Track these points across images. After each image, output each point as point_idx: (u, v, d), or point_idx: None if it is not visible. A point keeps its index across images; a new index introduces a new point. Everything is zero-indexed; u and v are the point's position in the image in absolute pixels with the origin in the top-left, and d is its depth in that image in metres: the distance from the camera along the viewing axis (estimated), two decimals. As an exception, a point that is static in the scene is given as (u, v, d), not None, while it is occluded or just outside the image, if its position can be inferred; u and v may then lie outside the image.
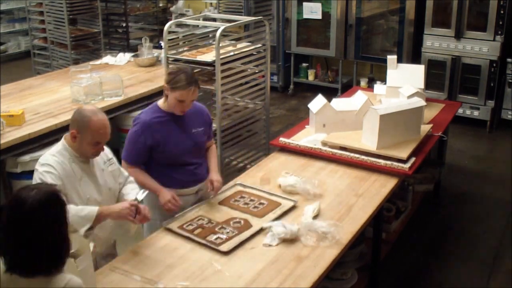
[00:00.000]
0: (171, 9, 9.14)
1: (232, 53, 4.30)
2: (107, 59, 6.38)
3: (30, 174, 4.40)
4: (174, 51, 4.43)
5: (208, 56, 4.33)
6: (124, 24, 8.36)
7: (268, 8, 7.79)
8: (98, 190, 2.73)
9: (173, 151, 3.11)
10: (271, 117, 5.84)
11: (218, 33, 4.01)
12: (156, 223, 3.05)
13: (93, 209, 2.55)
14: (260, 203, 3.13)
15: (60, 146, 2.68)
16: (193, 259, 2.64)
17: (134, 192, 2.82)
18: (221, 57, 4.11)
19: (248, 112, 4.64)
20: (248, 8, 7.73)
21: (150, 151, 3.10)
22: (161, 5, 9.30)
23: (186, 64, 4.16)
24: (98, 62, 6.39)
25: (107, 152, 2.82)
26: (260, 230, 2.84)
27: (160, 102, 3.15)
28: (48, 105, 4.93)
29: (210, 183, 3.19)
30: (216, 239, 2.77)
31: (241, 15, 7.24)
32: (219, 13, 7.37)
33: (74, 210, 2.44)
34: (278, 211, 3.03)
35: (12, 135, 4.26)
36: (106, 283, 2.47)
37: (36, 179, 2.58)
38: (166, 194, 3.03)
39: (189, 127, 3.18)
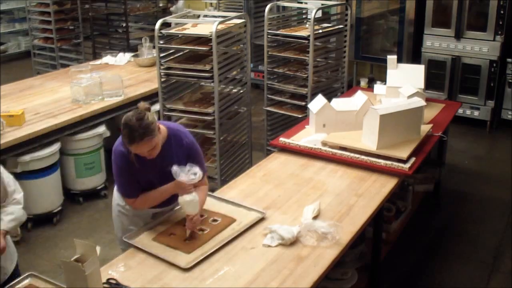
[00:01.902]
0: (171, 9, 9.14)
1: (320, 31, 4.99)
2: (107, 59, 6.38)
3: (30, 174, 4.45)
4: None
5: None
6: (124, 24, 8.36)
7: (268, 8, 7.81)
8: None
9: (152, 179, 2.90)
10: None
11: (313, 12, 4.77)
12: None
13: None
14: (214, 220, 2.95)
15: None
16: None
17: (5, 219, 2.68)
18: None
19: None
20: (248, 8, 7.74)
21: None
22: (161, 5, 9.30)
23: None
24: (98, 62, 6.40)
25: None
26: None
27: None
28: (48, 105, 4.93)
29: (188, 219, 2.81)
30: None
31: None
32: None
33: None
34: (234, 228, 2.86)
35: (12, 135, 4.27)
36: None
37: None
38: (185, 185, 2.74)
39: (166, 163, 2.79)
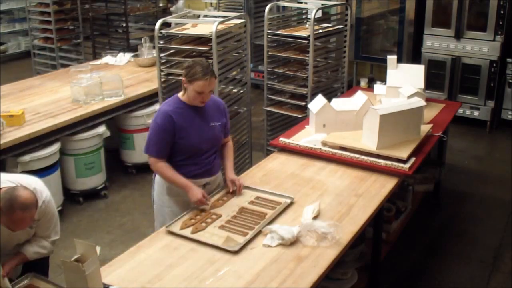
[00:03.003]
0: (171, 9, 9.14)
1: (320, 31, 5.02)
2: (107, 59, 6.39)
3: (30, 174, 4.42)
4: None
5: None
6: (124, 24, 8.36)
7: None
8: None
9: (193, 139, 3.12)
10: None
11: (313, 12, 4.78)
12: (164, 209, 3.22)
13: None
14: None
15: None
16: (193, 259, 2.64)
17: (31, 250, 2.81)
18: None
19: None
20: (248, 8, 7.74)
21: (172, 142, 3.10)
22: (161, 5, 9.30)
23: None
24: (98, 62, 6.40)
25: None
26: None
27: (180, 95, 3.17)
28: (48, 105, 4.93)
29: (231, 182, 3.23)
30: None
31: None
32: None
33: None
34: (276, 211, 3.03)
35: (12, 135, 4.27)
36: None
37: None
38: (197, 192, 3.04)
39: (208, 120, 3.19)
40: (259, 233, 2.84)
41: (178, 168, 3.13)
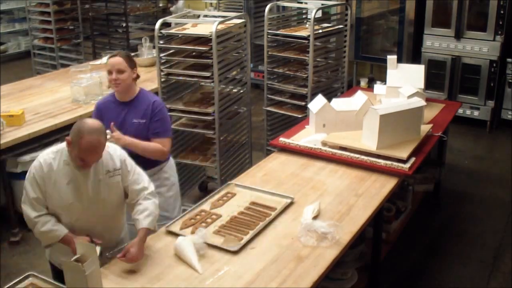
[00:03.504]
0: (171, 9, 9.14)
1: (320, 31, 5.02)
2: (107, 59, 6.37)
3: (30, 174, 4.43)
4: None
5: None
6: (124, 24, 8.37)
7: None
8: (81, 198, 2.65)
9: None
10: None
11: (313, 12, 4.79)
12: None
13: (58, 235, 2.65)
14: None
15: (63, 144, 2.67)
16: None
17: (142, 217, 2.70)
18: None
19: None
20: (248, 8, 7.74)
21: None
22: (161, 5, 9.31)
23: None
24: (98, 62, 6.39)
25: (116, 161, 2.73)
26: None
27: None
28: (48, 105, 4.93)
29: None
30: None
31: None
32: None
33: (41, 230, 2.65)
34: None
35: (12, 135, 4.27)
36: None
37: (29, 171, 2.69)
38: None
39: (132, 116, 3.34)
40: (259, 232, 2.84)
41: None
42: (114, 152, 2.77)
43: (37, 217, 2.64)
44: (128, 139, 3.24)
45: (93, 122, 2.61)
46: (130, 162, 2.81)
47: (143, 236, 2.66)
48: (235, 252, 2.67)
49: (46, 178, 2.61)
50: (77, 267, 2.24)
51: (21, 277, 2.57)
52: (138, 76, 3.40)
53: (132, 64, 3.33)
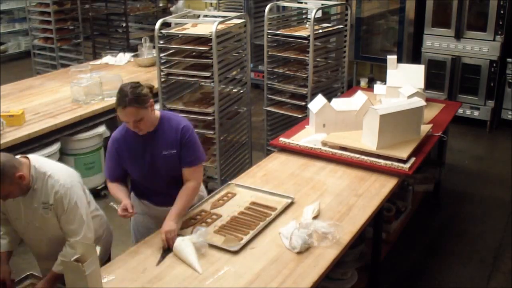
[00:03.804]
0: (171, 9, 9.14)
1: (320, 31, 5.01)
2: (107, 59, 6.39)
3: (30, 174, 4.42)
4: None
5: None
6: (124, 24, 8.37)
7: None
8: (19, 217, 2.68)
9: (133, 168, 2.96)
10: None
11: (313, 12, 4.78)
12: (150, 229, 3.02)
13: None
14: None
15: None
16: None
17: (57, 262, 2.65)
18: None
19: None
20: (248, 8, 7.74)
21: (122, 167, 2.98)
22: (161, 5, 9.31)
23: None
24: (98, 62, 6.40)
25: (50, 196, 2.61)
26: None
27: None
28: (48, 105, 4.93)
29: (164, 233, 2.75)
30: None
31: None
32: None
33: None
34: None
35: (12, 135, 4.27)
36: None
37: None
38: (123, 206, 2.80)
39: (157, 149, 2.88)
40: (259, 233, 2.84)
41: (139, 191, 3.10)
42: (55, 183, 2.62)
43: None
44: (176, 220, 2.79)
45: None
46: (69, 201, 2.63)
47: (51, 277, 2.62)
48: (235, 252, 2.67)
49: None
50: (78, 267, 2.24)
51: (21, 277, 2.57)
52: (153, 104, 2.86)
53: (145, 101, 2.75)
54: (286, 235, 2.75)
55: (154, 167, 2.91)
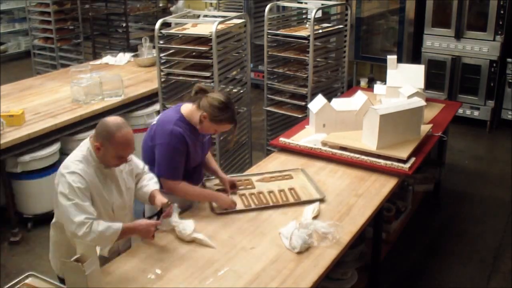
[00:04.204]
0: (171, 9, 9.14)
1: (320, 31, 5.01)
2: (107, 59, 6.39)
3: (30, 174, 4.45)
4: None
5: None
6: (124, 24, 8.37)
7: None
8: (120, 193, 2.72)
9: (197, 157, 3.13)
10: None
11: (313, 12, 4.77)
12: None
13: (117, 228, 2.55)
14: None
15: (85, 150, 2.60)
16: (193, 259, 2.64)
17: (152, 183, 2.87)
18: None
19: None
20: (248, 8, 7.74)
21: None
22: (161, 5, 9.30)
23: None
24: (98, 62, 6.40)
25: None
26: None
27: (186, 113, 3.00)
28: (48, 105, 4.93)
29: (229, 183, 3.24)
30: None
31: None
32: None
33: (99, 230, 2.48)
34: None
35: (12, 135, 4.27)
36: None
37: (64, 186, 2.50)
38: (226, 199, 3.07)
39: (205, 136, 3.20)
40: (262, 210, 3.00)
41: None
42: None
43: (89, 219, 2.49)
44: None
45: (116, 118, 2.61)
46: None
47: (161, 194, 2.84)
48: (235, 252, 2.67)
49: (90, 187, 2.55)
50: (77, 267, 2.24)
51: (21, 277, 2.57)
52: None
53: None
54: (286, 235, 2.75)
55: (203, 153, 3.20)
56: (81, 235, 2.44)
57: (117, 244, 2.71)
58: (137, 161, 2.91)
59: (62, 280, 2.65)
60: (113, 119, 2.58)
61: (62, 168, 2.56)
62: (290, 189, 3.26)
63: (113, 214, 2.70)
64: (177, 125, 2.95)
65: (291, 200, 3.15)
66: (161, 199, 2.80)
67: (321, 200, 3.15)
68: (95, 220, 2.49)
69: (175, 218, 2.83)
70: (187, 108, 3.02)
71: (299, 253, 2.66)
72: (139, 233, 2.69)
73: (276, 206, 3.08)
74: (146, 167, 2.96)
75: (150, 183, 2.89)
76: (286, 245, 2.72)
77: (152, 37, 5.19)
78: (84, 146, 2.62)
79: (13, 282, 2.52)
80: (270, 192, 3.23)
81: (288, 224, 2.82)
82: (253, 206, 3.06)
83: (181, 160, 2.99)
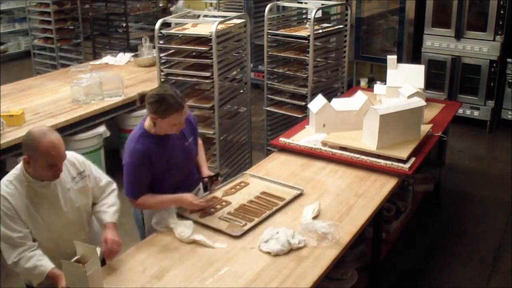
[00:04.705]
0: (171, 9, 9.14)
1: (320, 31, 5.01)
2: (107, 59, 6.39)
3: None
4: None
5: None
6: (124, 24, 8.37)
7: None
8: (59, 213, 2.57)
9: (174, 173, 2.97)
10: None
11: (313, 12, 4.77)
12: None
13: (44, 270, 2.44)
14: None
15: (18, 170, 2.50)
16: (193, 259, 2.64)
17: (111, 212, 2.73)
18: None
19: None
20: (248, 8, 7.74)
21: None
22: (161, 5, 9.30)
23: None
24: (98, 62, 6.40)
25: (78, 165, 2.68)
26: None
27: (147, 126, 2.88)
28: (48, 105, 4.93)
29: (209, 179, 3.13)
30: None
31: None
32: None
33: (28, 265, 2.42)
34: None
35: (12, 135, 4.27)
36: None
37: None
38: (190, 200, 2.92)
39: (183, 142, 3.00)
40: (263, 220, 2.92)
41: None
42: (73, 157, 2.71)
43: (18, 254, 2.43)
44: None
45: (40, 127, 2.51)
46: (89, 163, 2.79)
47: (114, 229, 2.69)
48: (235, 252, 2.67)
49: (17, 210, 2.44)
50: (79, 268, 2.24)
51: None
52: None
53: None
54: (264, 238, 2.74)
55: (183, 155, 3.01)
56: (10, 267, 2.46)
57: (101, 254, 2.59)
58: (97, 176, 2.77)
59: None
60: (38, 128, 2.47)
61: None
62: (263, 193, 3.20)
63: (50, 234, 2.56)
64: (139, 142, 2.84)
65: (279, 202, 3.11)
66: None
67: (301, 194, 3.20)
68: (25, 253, 2.44)
69: (172, 220, 2.83)
70: (146, 120, 2.90)
71: (299, 252, 2.67)
72: (57, 284, 2.43)
73: (271, 214, 3.00)
74: (114, 185, 2.84)
75: (109, 211, 2.74)
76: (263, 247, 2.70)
77: (152, 37, 5.19)
78: (17, 167, 2.52)
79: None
80: (250, 202, 3.11)
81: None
82: (249, 224, 2.88)
83: (142, 177, 2.86)
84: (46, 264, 2.46)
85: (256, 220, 2.90)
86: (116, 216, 2.77)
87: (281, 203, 3.09)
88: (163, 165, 2.90)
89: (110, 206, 2.77)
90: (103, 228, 2.72)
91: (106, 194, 2.83)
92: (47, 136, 2.42)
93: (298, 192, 3.23)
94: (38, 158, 2.40)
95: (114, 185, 2.87)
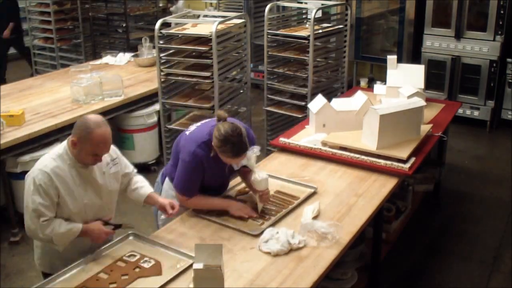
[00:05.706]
0: (171, 9, 9.13)
1: (320, 31, 5.02)
2: (107, 59, 6.39)
3: (30, 174, 4.43)
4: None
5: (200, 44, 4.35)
6: (124, 24, 8.36)
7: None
8: (98, 194, 2.70)
9: (210, 189, 3.09)
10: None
11: (313, 12, 4.78)
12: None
13: (78, 226, 2.60)
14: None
15: (62, 149, 2.62)
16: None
17: (147, 185, 2.95)
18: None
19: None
20: (248, 8, 7.75)
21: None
22: (161, 5, 9.29)
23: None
24: (98, 62, 6.40)
25: (111, 152, 2.76)
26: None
27: (213, 141, 2.88)
28: (48, 105, 4.93)
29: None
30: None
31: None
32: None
33: (61, 229, 2.55)
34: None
35: (12, 135, 4.27)
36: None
37: (29, 182, 2.54)
38: (238, 206, 3.01)
39: (232, 168, 3.07)
40: (281, 219, 2.94)
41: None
42: None
43: (48, 220, 2.53)
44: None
45: (96, 116, 2.63)
46: (118, 151, 2.90)
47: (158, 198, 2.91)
48: (235, 252, 2.67)
49: (58, 186, 2.54)
50: (216, 271, 2.24)
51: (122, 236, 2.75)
52: None
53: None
54: (263, 238, 2.75)
55: (228, 176, 3.19)
56: (37, 235, 2.56)
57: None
58: (125, 162, 2.92)
59: (46, 275, 2.69)
60: (94, 117, 2.60)
61: (36, 164, 2.60)
62: (277, 192, 3.24)
63: (85, 214, 2.67)
64: (201, 147, 2.91)
65: (293, 200, 3.14)
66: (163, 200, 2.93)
67: (315, 192, 3.22)
68: (53, 220, 2.55)
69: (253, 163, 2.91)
70: (214, 132, 2.92)
71: (300, 251, 2.67)
72: (90, 236, 2.65)
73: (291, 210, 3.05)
74: (135, 170, 3.00)
75: (145, 185, 2.95)
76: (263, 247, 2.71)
77: (152, 37, 5.19)
78: (61, 146, 2.65)
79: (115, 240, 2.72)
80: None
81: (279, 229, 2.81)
82: (267, 223, 2.92)
83: (196, 179, 2.97)
84: (76, 224, 2.61)
85: (273, 219, 2.94)
86: (151, 188, 2.97)
87: (296, 202, 3.12)
88: (208, 178, 3.00)
89: (143, 181, 2.96)
90: (145, 200, 2.92)
91: (134, 175, 2.98)
92: (101, 128, 2.55)
93: (312, 190, 3.24)
94: (87, 145, 2.53)
95: (135, 170, 3.02)
